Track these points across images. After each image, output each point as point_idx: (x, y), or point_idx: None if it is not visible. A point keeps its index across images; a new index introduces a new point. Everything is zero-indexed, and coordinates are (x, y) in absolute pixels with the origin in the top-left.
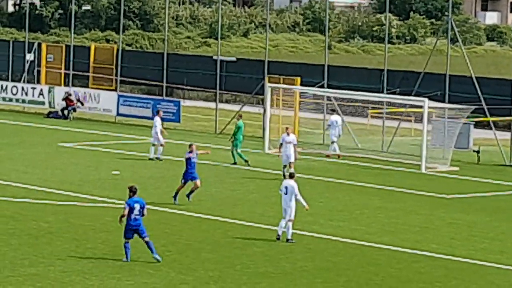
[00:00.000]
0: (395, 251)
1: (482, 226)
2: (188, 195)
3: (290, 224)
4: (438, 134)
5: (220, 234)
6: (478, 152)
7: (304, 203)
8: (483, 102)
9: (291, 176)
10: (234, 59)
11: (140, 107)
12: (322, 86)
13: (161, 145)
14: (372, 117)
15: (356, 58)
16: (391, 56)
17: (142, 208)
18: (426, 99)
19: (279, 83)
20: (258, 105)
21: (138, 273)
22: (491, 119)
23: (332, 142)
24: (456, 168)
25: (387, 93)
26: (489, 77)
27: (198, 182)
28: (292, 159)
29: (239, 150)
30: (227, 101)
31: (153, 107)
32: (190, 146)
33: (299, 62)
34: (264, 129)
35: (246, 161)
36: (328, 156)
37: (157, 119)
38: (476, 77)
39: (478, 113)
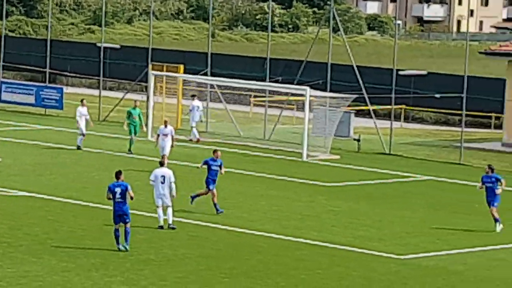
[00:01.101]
0: (277, 239)
1: (361, 213)
2: (193, 197)
3: (170, 210)
4: (320, 123)
5: (103, 221)
6: (358, 140)
7: (174, 192)
8: (364, 91)
9: (162, 164)
10: (117, 46)
11: (23, 93)
12: (205, 74)
13: (83, 134)
14: (254, 105)
15: (239, 46)
16: (274, 45)
17: (123, 191)
18: (308, 88)
19: (162, 70)
20: (141, 93)
21: (19, 260)
22: (371, 107)
23: (192, 127)
24: (337, 156)
25: (270, 82)
26: (370, 66)
27: (213, 190)
28: (166, 152)
29: (134, 137)
30: (110, 89)
31: (36, 93)
32: (214, 152)
33: (183, 49)
34: (147, 117)
35: (129, 150)
36: (190, 140)
37: (80, 109)
38: (357, 66)
39: (359, 101)
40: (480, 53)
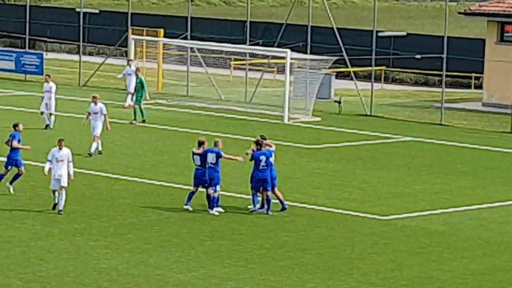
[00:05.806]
0: None
1: (344, 175)
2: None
3: (64, 192)
4: (300, 85)
5: (86, 186)
6: (339, 102)
7: (72, 173)
8: (344, 53)
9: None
10: (96, 11)
11: (3, 59)
12: (185, 38)
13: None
14: (235, 68)
15: (218, 10)
16: (253, 8)
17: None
18: (288, 50)
19: (142, 35)
20: (121, 57)
21: (3, 226)
22: (352, 69)
23: (129, 93)
24: (318, 119)
25: (250, 45)
26: (349, 28)
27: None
28: (97, 133)
29: (142, 106)
30: (90, 54)
31: (15, 59)
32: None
33: (162, 14)
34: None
35: (143, 121)
36: (124, 107)
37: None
38: (337, 28)
39: (339, 63)
40: (460, 13)
